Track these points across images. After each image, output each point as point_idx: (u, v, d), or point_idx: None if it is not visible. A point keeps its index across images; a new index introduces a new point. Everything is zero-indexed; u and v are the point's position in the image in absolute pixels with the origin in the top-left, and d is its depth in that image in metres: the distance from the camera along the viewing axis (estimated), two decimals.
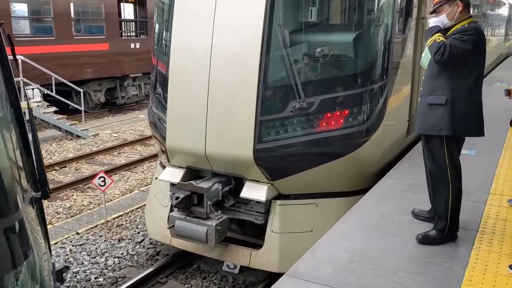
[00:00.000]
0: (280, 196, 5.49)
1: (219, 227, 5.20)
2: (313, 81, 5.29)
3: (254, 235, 5.86)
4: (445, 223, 3.84)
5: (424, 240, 3.87)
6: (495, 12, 16.64)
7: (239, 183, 5.54)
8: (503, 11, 19.51)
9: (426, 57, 3.93)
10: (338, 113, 5.30)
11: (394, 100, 5.82)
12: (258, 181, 5.37)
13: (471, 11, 4.06)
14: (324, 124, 5.26)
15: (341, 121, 5.31)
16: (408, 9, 6.11)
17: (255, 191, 5.31)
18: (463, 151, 6.22)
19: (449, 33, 3.78)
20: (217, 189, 5.38)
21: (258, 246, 5.59)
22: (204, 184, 5.30)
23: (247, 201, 5.49)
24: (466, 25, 3.73)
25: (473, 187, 5.04)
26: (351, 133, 5.32)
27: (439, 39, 3.69)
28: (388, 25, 5.42)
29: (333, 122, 5.28)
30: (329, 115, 5.26)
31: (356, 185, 5.66)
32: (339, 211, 5.48)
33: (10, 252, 1.69)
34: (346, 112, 5.31)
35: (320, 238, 4.02)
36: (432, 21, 3.88)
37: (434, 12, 3.91)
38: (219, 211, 5.34)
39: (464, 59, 3.67)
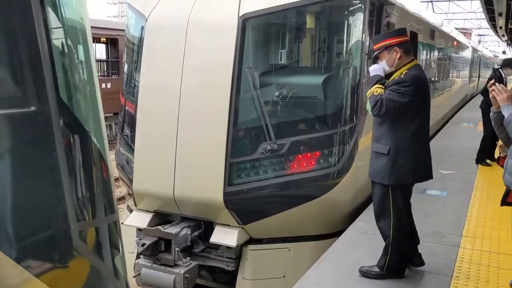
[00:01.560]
0: (252, 241, 5.31)
1: (187, 275, 4.96)
2: (284, 122, 5.24)
3: (225, 282, 5.63)
4: (384, 261, 3.85)
5: (366, 274, 3.92)
6: (459, 55, 17.26)
7: (209, 227, 5.35)
8: (467, 54, 20.27)
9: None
10: (309, 155, 5.24)
11: (364, 140, 5.81)
12: (229, 225, 5.20)
13: (437, 54, 4.10)
14: (295, 166, 5.18)
15: (313, 162, 5.24)
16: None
17: (225, 236, 5.12)
18: (433, 192, 6.30)
19: (389, 81, 3.77)
20: (185, 235, 5.17)
21: None
22: (172, 229, 5.09)
23: (217, 246, 5.29)
24: (402, 75, 3.67)
25: (445, 229, 4.99)
26: (323, 174, 5.25)
27: (376, 91, 3.67)
28: (356, 67, 5.48)
29: (304, 164, 5.22)
30: (300, 156, 5.20)
31: (329, 228, 5.54)
32: (312, 255, 5.33)
33: (117, 239, 1.98)
34: (317, 153, 5.26)
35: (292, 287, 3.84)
36: (372, 69, 3.84)
37: (377, 58, 3.89)
38: (188, 258, 5.11)
39: (403, 111, 3.64)
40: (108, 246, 1.91)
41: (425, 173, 3.88)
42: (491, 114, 3.41)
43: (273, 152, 5.05)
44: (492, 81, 3.67)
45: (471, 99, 22.83)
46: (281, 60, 5.37)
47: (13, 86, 1.51)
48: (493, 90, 3.23)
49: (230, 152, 4.98)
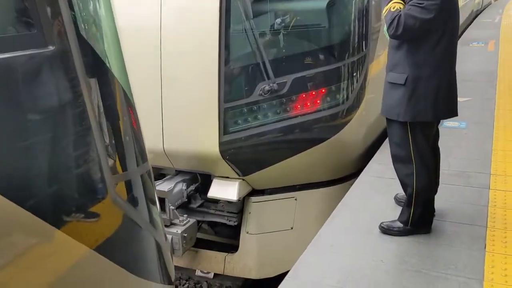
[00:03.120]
0: (254, 192, 4.80)
1: (185, 234, 4.49)
2: (283, 57, 4.53)
3: (228, 235, 5.20)
4: (407, 215, 3.36)
5: (387, 230, 3.44)
6: None
7: (208, 179, 4.81)
8: None
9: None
10: (314, 93, 4.58)
11: (375, 66, 5.11)
12: (228, 177, 4.66)
13: None
14: (298, 106, 4.54)
15: (318, 101, 4.60)
16: None
17: (224, 190, 4.60)
18: (451, 124, 5.69)
19: None
20: (180, 190, 4.66)
21: (234, 248, 4.94)
22: (164, 186, 4.56)
23: (217, 200, 4.80)
24: None
25: (471, 167, 4.45)
26: (331, 114, 4.63)
27: (393, 7, 3.03)
28: None
29: (309, 104, 4.57)
30: (303, 96, 4.54)
31: (339, 173, 5.01)
32: (322, 203, 4.87)
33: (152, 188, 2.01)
34: (323, 91, 4.60)
35: (301, 252, 3.34)
36: None
37: None
38: (185, 215, 4.62)
39: (425, 30, 3.00)
40: (143, 196, 1.87)
41: (450, 109, 3.27)
42: None
43: (272, 93, 4.38)
44: None
45: (476, 16, 21.64)
46: None
47: (26, 24, 1.38)
48: None
49: (223, 95, 4.33)
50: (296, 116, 4.52)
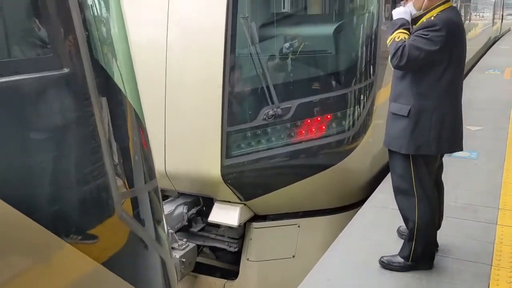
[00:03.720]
0: (256, 217, 4.72)
1: (184, 259, 4.41)
2: (288, 82, 4.49)
3: (229, 260, 5.09)
4: (408, 250, 3.23)
5: (387, 265, 3.31)
6: None
7: (210, 202, 4.75)
8: None
9: None
10: (319, 119, 4.52)
11: (383, 93, 5.03)
12: (230, 202, 4.59)
13: None
14: (303, 132, 4.48)
15: (323, 127, 4.53)
16: None
17: (225, 214, 4.53)
18: (462, 154, 5.54)
19: (416, 25, 3.04)
20: (181, 213, 4.60)
21: (234, 274, 4.84)
22: (164, 209, 4.50)
23: (218, 224, 4.72)
24: (432, 18, 2.93)
25: (479, 200, 4.31)
26: (336, 140, 4.56)
27: (398, 37, 2.97)
28: (373, 13, 4.64)
29: (314, 130, 4.51)
30: (308, 121, 4.48)
31: (344, 200, 4.91)
32: (325, 232, 4.75)
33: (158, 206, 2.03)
34: (329, 117, 4.53)
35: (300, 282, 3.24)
36: (396, 12, 3.11)
37: None
38: (184, 240, 4.54)
39: (430, 61, 2.93)
40: (150, 213, 1.91)
41: (454, 142, 3.16)
42: None
43: (276, 118, 4.34)
44: None
45: (494, 43, 21.48)
46: (283, 8, 4.54)
47: (43, 47, 1.45)
48: None
49: (227, 119, 4.29)
50: (300, 142, 4.46)
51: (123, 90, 1.77)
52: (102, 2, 1.77)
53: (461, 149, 3.20)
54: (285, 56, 4.54)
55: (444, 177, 3.50)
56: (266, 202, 4.58)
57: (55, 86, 1.46)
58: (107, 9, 1.81)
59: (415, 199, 3.15)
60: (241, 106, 4.41)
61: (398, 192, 3.29)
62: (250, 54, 4.30)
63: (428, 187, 3.16)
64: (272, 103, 4.29)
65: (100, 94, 1.59)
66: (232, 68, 4.25)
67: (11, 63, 1.38)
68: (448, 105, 3.05)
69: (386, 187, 4.71)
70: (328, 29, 4.59)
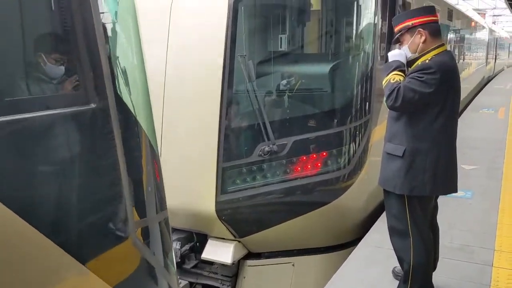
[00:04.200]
0: (250, 255, 4.66)
1: None
2: (284, 119, 4.53)
3: None
4: None
5: None
6: (476, 36, 16.34)
7: (204, 239, 4.70)
8: (484, 34, 19.30)
9: None
10: (315, 156, 4.53)
11: (379, 130, 5.07)
12: (224, 239, 4.54)
13: (451, 36, 3.36)
14: (298, 169, 4.48)
15: (319, 164, 4.54)
16: (391, 34, 5.45)
17: (219, 252, 4.48)
18: (457, 194, 5.52)
19: (412, 67, 3.09)
20: (174, 250, 4.52)
21: None
22: None
23: (212, 261, 4.65)
24: (427, 61, 2.99)
25: (475, 241, 4.28)
26: (331, 178, 4.56)
27: (393, 79, 3.01)
28: (368, 53, 4.73)
29: (309, 167, 4.52)
30: (304, 158, 4.50)
31: (339, 239, 4.87)
32: (320, 270, 4.70)
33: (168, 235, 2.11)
34: (324, 154, 4.55)
35: None
36: (392, 55, 3.15)
37: (398, 41, 3.20)
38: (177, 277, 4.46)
39: (424, 103, 2.96)
40: (160, 242, 2.00)
41: (449, 184, 3.16)
42: None
43: (272, 154, 4.35)
44: None
45: (488, 82, 21.84)
46: (280, 47, 4.63)
47: (72, 84, 1.57)
48: None
49: (223, 154, 4.30)
50: (295, 179, 4.45)
51: (141, 123, 1.88)
52: (125, 39, 1.89)
53: (455, 191, 3.20)
54: (282, 93, 4.60)
55: (439, 216, 3.48)
56: (261, 239, 4.54)
57: (82, 120, 1.57)
58: (130, 45, 1.93)
59: (410, 240, 3.13)
60: (237, 141, 4.43)
61: (393, 232, 3.27)
62: (247, 90, 4.36)
63: (423, 228, 3.15)
64: (268, 139, 4.31)
65: (121, 128, 1.68)
66: (229, 103, 4.30)
67: (43, 99, 1.50)
68: (443, 147, 3.07)
69: (381, 226, 4.68)
70: (324, 68, 4.67)
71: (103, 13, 1.66)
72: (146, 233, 1.91)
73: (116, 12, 1.82)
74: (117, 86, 1.70)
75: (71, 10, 1.54)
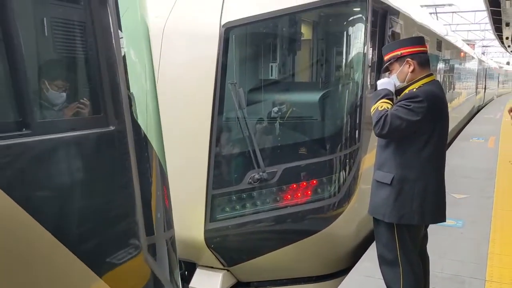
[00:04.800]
0: (239, 284, 4.58)
1: None
2: (274, 147, 4.54)
3: None
4: None
5: None
6: (466, 66, 16.64)
7: (192, 267, 4.62)
8: (473, 64, 19.65)
9: None
10: (305, 184, 4.52)
11: (369, 158, 5.08)
12: (212, 267, 4.47)
13: (441, 66, 3.42)
14: (288, 196, 4.46)
15: (309, 192, 4.52)
16: (380, 62, 5.53)
17: (207, 281, 4.41)
18: (448, 222, 5.52)
19: (399, 96, 3.14)
20: None
21: None
22: None
23: None
24: (415, 90, 3.03)
25: (465, 272, 4.24)
26: (321, 206, 4.53)
27: (381, 107, 3.04)
28: (357, 83, 4.78)
29: (299, 195, 4.50)
30: (294, 186, 4.48)
31: (330, 267, 4.81)
32: None
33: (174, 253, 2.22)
34: (314, 182, 4.54)
35: None
36: (380, 83, 3.20)
37: (387, 70, 3.25)
38: None
39: (412, 131, 2.99)
40: (167, 258, 2.10)
41: (437, 213, 3.15)
42: None
43: (262, 182, 4.33)
44: None
45: (478, 111, 22.12)
46: (271, 75, 4.68)
47: (95, 108, 1.70)
48: None
49: (212, 182, 4.28)
50: (285, 207, 4.43)
51: (154, 145, 1.99)
52: (141, 66, 2.02)
53: (444, 221, 3.19)
54: (272, 121, 4.62)
55: (430, 245, 3.46)
56: (250, 268, 4.47)
57: (102, 141, 1.71)
58: (144, 70, 2.05)
59: (400, 270, 3.09)
60: (227, 169, 4.41)
61: (382, 262, 3.23)
62: (238, 118, 4.37)
63: (412, 257, 3.12)
64: (258, 167, 4.30)
65: (136, 149, 1.81)
66: (220, 131, 4.30)
67: (69, 122, 1.64)
68: (431, 176, 3.07)
69: (371, 254, 4.63)
70: (315, 96, 4.71)
71: (123, 48, 1.80)
72: (154, 249, 2.00)
73: (133, 40, 1.97)
74: (133, 111, 1.82)
75: (98, 45, 1.68)
